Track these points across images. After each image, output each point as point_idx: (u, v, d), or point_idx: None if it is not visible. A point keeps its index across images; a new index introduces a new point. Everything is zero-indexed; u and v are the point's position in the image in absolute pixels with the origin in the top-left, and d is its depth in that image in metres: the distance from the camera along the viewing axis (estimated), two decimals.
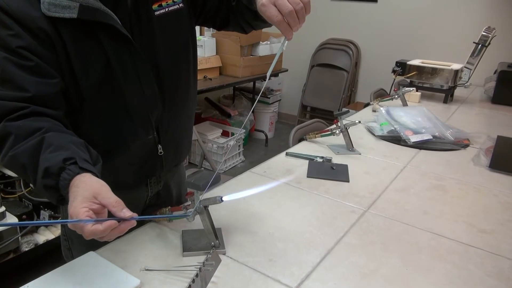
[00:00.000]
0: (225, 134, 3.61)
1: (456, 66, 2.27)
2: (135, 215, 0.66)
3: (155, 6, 0.89)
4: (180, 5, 0.93)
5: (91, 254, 0.83)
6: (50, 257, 1.96)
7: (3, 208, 1.79)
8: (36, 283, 0.74)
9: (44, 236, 2.04)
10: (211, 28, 1.13)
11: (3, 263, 1.86)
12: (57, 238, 2.03)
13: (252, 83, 3.89)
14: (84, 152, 0.72)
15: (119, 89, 0.87)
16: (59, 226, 2.07)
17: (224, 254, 0.86)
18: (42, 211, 2.06)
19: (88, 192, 0.64)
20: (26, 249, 1.95)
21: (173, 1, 0.92)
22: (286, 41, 0.82)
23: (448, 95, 2.29)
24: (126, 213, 0.64)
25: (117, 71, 0.85)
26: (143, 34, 0.88)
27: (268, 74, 0.89)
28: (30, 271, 1.90)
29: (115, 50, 0.84)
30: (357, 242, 0.93)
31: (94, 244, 0.87)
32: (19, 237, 1.92)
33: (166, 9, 0.91)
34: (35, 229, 2.07)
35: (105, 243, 0.88)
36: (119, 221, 0.65)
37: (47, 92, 0.76)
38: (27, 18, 0.74)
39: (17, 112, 0.72)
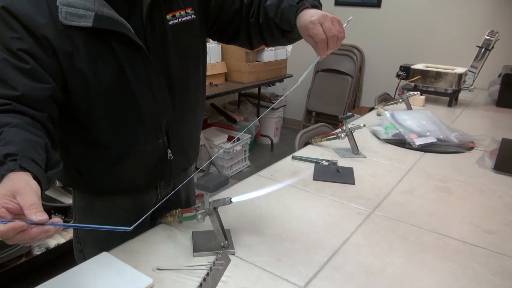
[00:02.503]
0: (231, 139, 3.64)
1: (460, 70, 2.29)
2: (46, 220, 0.58)
3: (168, 16, 0.93)
4: (193, 16, 0.97)
5: (105, 254, 0.86)
6: (61, 261, 1.99)
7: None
8: (53, 282, 0.77)
9: (55, 240, 2.07)
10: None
11: (15, 267, 1.89)
12: (68, 242, 2.06)
13: (257, 89, 3.92)
14: (38, 153, 0.68)
15: (131, 95, 0.90)
16: (70, 230, 2.10)
17: (233, 254, 0.88)
18: (53, 216, 2.09)
19: (7, 189, 0.59)
20: (38, 253, 1.98)
21: (186, 12, 0.96)
22: (318, 59, 0.90)
23: (452, 99, 2.30)
24: (38, 217, 0.57)
25: (129, 78, 0.88)
26: (156, 42, 0.92)
27: (299, 80, 0.94)
28: (42, 274, 1.93)
29: (128, 57, 0.87)
30: (364, 243, 0.95)
31: (106, 246, 0.90)
32: None
33: (179, 20, 0.94)
34: None
35: (116, 244, 0.91)
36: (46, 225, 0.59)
37: (36, 95, 0.77)
38: (33, 23, 0.77)
39: None
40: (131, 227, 0.67)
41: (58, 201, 2.11)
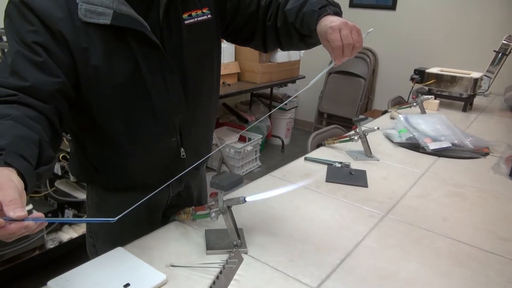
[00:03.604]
0: (242, 139, 3.65)
1: (475, 74, 2.26)
2: (24, 216, 0.57)
3: (185, 16, 0.93)
4: (209, 16, 0.98)
5: (119, 250, 0.87)
6: (73, 254, 2.02)
7: (30, 206, 1.86)
8: (69, 274, 0.78)
9: (68, 234, 2.10)
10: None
11: (29, 260, 1.92)
12: (81, 237, 2.09)
13: (269, 89, 3.92)
14: (30, 149, 0.67)
15: (146, 92, 0.91)
16: (83, 224, 2.13)
17: (246, 253, 0.89)
18: (66, 210, 2.12)
19: None
20: (51, 247, 2.01)
21: (202, 12, 0.97)
22: (332, 65, 0.92)
23: (467, 104, 2.27)
24: (16, 213, 0.56)
25: (144, 75, 0.89)
26: (172, 41, 0.93)
27: (311, 83, 0.95)
28: (55, 267, 1.96)
29: (144, 55, 0.88)
30: (377, 246, 0.95)
31: (119, 241, 0.91)
32: (45, 235, 1.98)
33: (195, 19, 0.95)
34: (59, 227, 2.13)
35: (128, 240, 0.92)
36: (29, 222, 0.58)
37: (44, 88, 0.77)
38: (50, 18, 0.78)
39: (3, 97, 0.73)
40: (115, 218, 0.68)
41: (72, 196, 2.14)
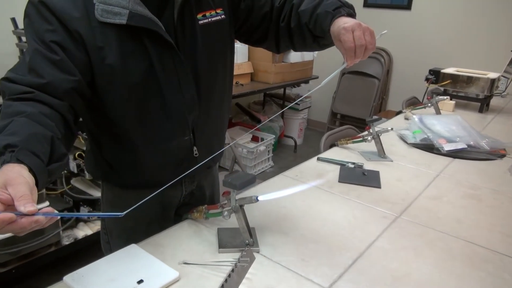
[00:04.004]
0: (254, 139, 3.66)
1: (493, 75, 2.22)
2: (34, 211, 0.58)
3: (199, 16, 0.94)
4: (222, 16, 0.99)
5: (133, 247, 0.88)
6: (88, 251, 2.05)
7: (47, 203, 1.90)
8: (84, 270, 0.80)
9: (83, 231, 2.14)
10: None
11: (45, 255, 1.97)
12: (95, 234, 2.12)
13: (282, 89, 3.92)
14: (42, 146, 0.68)
15: (160, 91, 0.93)
16: (98, 222, 2.16)
17: (258, 252, 0.89)
18: (81, 207, 2.16)
19: (0, 180, 0.59)
20: (66, 243, 2.05)
21: (216, 12, 0.97)
22: (344, 66, 0.91)
23: (484, 105, 2.24)
24: (27, 208, 0.57)
25: (158, 74, 0.91)
26: (186, 41, 0.94)
27: (322, 83, 0.95)
28: (70, 263, 2.00)
29: (158, 54, 0.89)
30: (389, 247, 0.94)
31: (132, 238, 0.92)
32: (60, 232, 2.02)
33: (209, 19, 0.96)
34: (74, 224, 2.17)
35: (142, 237, 0.94)
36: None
37: (60, 85, 0.79)
38: (67, 18, 0.80)
39: (20, 95, 0.75)
40: (123, 213, 0.70)
41: (87, 194, 2.18)
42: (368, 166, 1.40)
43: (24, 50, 0.84)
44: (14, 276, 1.88)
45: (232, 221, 0.90)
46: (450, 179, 1.35)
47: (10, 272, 1.85)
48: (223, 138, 1.21)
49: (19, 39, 2.38)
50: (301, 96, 4.30)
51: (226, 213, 0.89)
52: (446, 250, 0.95)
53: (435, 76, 2.34)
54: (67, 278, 0.77)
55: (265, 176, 3.48)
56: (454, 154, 1.55)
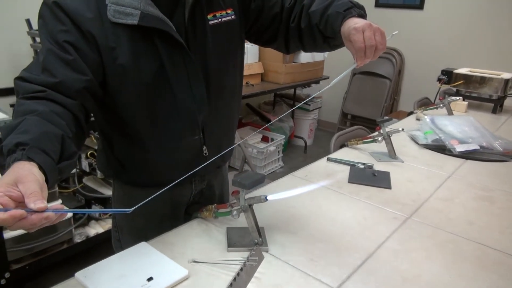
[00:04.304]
0: (265, 139, 3.66)
1: (507, 75, 2.19)
2: (44, 207, 0.59)
3: (209, 16, 0.95)
4: (233, 17, 0.99)
5: (143, 244, 0.89)
6: (99, 249, 2.08)
7: (59, 201, 1.93)
8: (95, 267, 0.81)
9: (95, 229, 2.17)
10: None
11: (57, 252, 2.00)
12: (107, 232, 2.15)
13: (292, 90, 3.92)
14: (52, 145, 0.69)
15: (171, 90, 0.93)
16: (109, 220, 2.19)
17: (266, 251, 0.89)
18: (93, 206, 2.19)
19: (11, 177, 0.60)
20: (78, 241, 2.08)
21: (226, 13, 0.98)
22: (354, 66, 0.92)
23: (497, 105, 2.20)
24: (37, 204, 0.58)
25: (169, 73, 0.91)
26: (196, 41, 0.94)
27: (332, 83, 0.95)
28: (82, 260, 2.03)
29: (169, 54, 0.90)
30: (399, 248, 0.94)
31: (143, 236, 0.93)
32: (73, 229, 2.05)
33: (220, 20, 0.97)
34: (86, 223, 2.20)
35: (152, 235, 0.95)
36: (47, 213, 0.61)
37: (72, 85, 0.80)
38: (80, 19, 0.81)
39: (33, 93, 0.76)
40: (131, 209, 0.71)
41: (99, 192, 2.20)
42: (379, 166, 1.40)
43: (38, 50, 0.85)
44: (28, 272, 1.91)
45: (241, 220, 0.90)
46: (462, 181, 1.34)
47: (24, 268, 1.88)
48: (233, 138, 1.21)
49: (34, 40, 2.43)
50: (312, 97, 4.29)
51: (235, 212, 0.90)
52: (457, 252, 0.94)
53: (448, 76, 2.32)
54: (79, 274, 0.78)
55: (275, 176, 3.48)
56: (466, 155, 1.53)
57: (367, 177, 1.31)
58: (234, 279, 0.76)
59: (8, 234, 1.76)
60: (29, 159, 0.64)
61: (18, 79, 0.79)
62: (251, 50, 3.22)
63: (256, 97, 3.71)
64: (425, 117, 1.78)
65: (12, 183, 0.59)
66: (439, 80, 2.35)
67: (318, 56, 3.64)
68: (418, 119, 2.00)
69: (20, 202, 0.59)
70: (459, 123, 1.71)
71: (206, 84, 0.98)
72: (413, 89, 3.98)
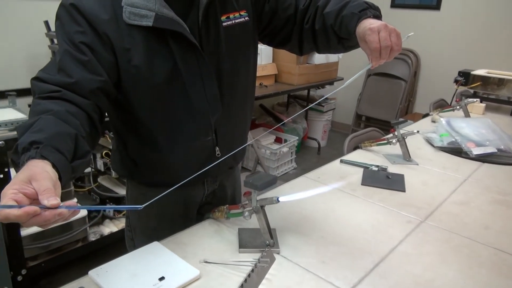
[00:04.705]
0: (278, 140, 3.65)
1: None
2: (57, 204, 0.60)
3: (223, 18, 0.96)
4: (246, 18, 1.00)
5: (156, 244, 0.90)
6: (113, 247, 2.11)
7: (75, 200, 1.96)
8: (108, 266, 0.82)
9: (109, 228, 2.20)
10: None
11: (72, 250, 2.03)
12: (120, 231, 2.17)
13: (306, 91, 3.90)
14: (66, 143, 0.70)
15: (184, 91, 0.94)
16: (123, 219, 2.22)
17: (278, 253, 0.89)
18: (108, 205, 2.22)
19: (25, 175, 0.61)
20: (93, 239, 2.11)
21: (239, 14, 0.98)
22: (369, 67, 0.91)
23: None
24: (50, 201, 0.59)
25: (183, 74, 0.92)
26: (210, 42, 0.95)
27: (345, 84, 0.96)
28: (95, 258, 2.06)
29: (183, 55, 0.91)
30: (413, 252, 0.92)
31: (155, 235, 0.94)
32: (87, 228, 2.08)
33: (233, 21, 0.97)
34: (101, 221, 2.23)
35: (164, 235, 0.95)
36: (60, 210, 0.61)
37: (87, 85, 0.81)
38: (97, 20, 0.83)
39: (48, 93, 0.78)
40: (142, 206, 0.73)
41: (113, 192, 2.23)
42: (393, 169, 1.38)
43: (56, 51, 0.87)
44: (43, 269, 1.95)
45: (253, 222, 0.90)
46: (479, 184, 1.31)
47: (39, 265, 1.92)
48: (245, 139, 1.21)
49: (52, 41, 2.47)
50: (326, 98, 4.26)
51: (247, 213, 0.90)
52: (472, 256, 0.92)
53: (465, 78, 2.28)
54: (92, 273, 0.79)
55: (288, 177, 3.47)
56: (483, 159, 1.50)
57: (380, 179, 1.29)
58: (245, 280, 0.76)
59: (25, 232, 1.80)
60: (43, 157, 0.65)
61: (35, 79, 0.80)
62: (265, 51, 3.22)
63: (270, 98, 3.71)
64: (441, 119, 1.75)
65: (26, 180, 0.60)
66: (456, 81, 2.31)
67: (332, 57, 3.61)
68: (433, 121, 1.97)
69: (34, 199, 0.60)
70: (476, 126, 1.68)
71: (219, 85, 0.99)
72: (429, 91, 3.92)
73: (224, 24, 0.96)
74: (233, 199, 1.27)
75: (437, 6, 3.75)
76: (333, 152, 4.11)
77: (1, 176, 1.62)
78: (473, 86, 2.24)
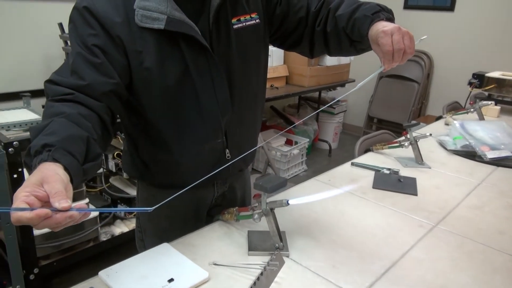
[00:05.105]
0: (288, 142, 3.64)
1: None
2: (68, 206, 0.60)
3: (234, 20, 0.96)
4: (257, 21, 1.00)
5: (165, 245, 0.90)
6: (123, 248, 2.13)
7: (86, 200, 1.98)
8: (118, 266, 0.82)
9: (120, 228, 2.21)
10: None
11: (84, 250, 2.06)
12: (131, 232, 2.19)
13: (317, 93, 3.88)
14: (78, 146, 0.70)
15: (195, 93, 0.94)
16: (134, 219, 2.23)
17: (287, 256, 0.89)
18: (119, 205, 2.24)
19: (37, 178, 0.62)
20: (104, 239, 2.13)
21: (250, 17, 0.98)
22: (381, 70, 0.90)
23: None
24: (61, 204, 0.59)
25: (193, 77, 0.92)
26: (220, 44, 0.95)
27: (358, 86, 0.94)
28: (107, 258, 2.08)
29: (194, 57, 0.91)
30: (425, 257, 0.91)
31: (165, 237, 0.94)
32: (99, 228, 2.10)
33: (244, 24, 0.97)
34: (112, 222, 2.25)
35: (174, 236, 0.96)
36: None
37: (99, 87, 0.82)
38: (109, 23, 0.83)
39: (61, 96, 0.79)
40: (152, 208, 0.72)
41: (124, 192, 2.25)
42: (405, 172, 1.36)
43: (69, 53, 0.88)
44: (55, 268, 1.97)
45: (263, 224, 0.90)
46: (493, 188, 1.28)
47: (51, 264, 1.95)
48: (256, 141, 1.21)
49: (66, 43, 2.51)
50: (337, 100, 4.24)
51: (256, 216, 0.89)
52: (487, 263, 0.90)
53: (479, 80, 2.24)
54: (102, 273, 0.80)
55: (298, 180, 3.46)
56: (498, 162, 1.47)
57: (392, 183, 1.28)
58: (254, 283, 0.75)
59: (37, 231, 1.83)
60: (55, 160, 0.65)
61: (48, 82, 0.81)
62: (276, 53, 3.22)
63: (281, 100, 3.70)
64: (455, 122, 1.73)
65: (38, 183, 0.61)
66: (470, 83, 2.28)
67: (344, 59, 3.60)
68: (447, 124, 1.95)
69: (45, 202, 0.60)
70: (491, 129, 1.65)
71: (230, 87, 0.99)
72: (442, 93, 3.87)
73: (235, 26, 0.96)
74: (243, 201, 1.27)
75: (451, 7, 3.70)
76: (344, 154, 4.09)
77: (15, 176, 1.65)
78: (488, 89, 2.20)
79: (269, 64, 3.46)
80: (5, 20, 2.38)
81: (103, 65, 0.83)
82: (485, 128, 1.65)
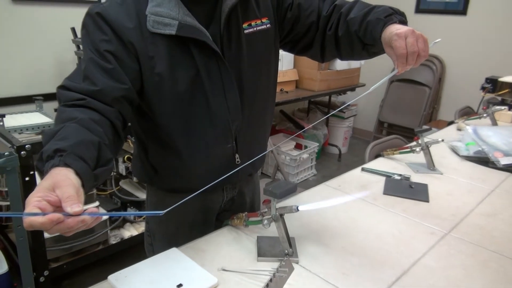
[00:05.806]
0: (298, 146, 3.63)
1: None
2: (80, 211, 0.60)
3: (245, 25, 0.96)
4: (268, 26, 0.99)
5: (174, 250, 0.90)
6: (133, 251, 2.14)
7: (96, 203, 1.99)
8: (127, 271, 0.82)
9: (129, 231, 2.22)
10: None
11: (93, 253, 2.07)
12: (140, 235, 2.20)
13: (327, 97, 3.87)
14: (89, 151, 0.71)
15: (205, 98, 0.94)
16: (143, 223, 2.24)
17: (297, 263, 0.88)
18: (128, 209, 2.25)
19: (48, 183, 0.62)
20: (113, 242, 2.14)
21: (261, 22, 0.98)
22: (394, 73, 0.89)
23: None
24: (73, 208, 0.60)
25: (204, 82, 0.93)
26: (231, 49, 0.95)
27: (370, 89, 0.93)
28: (116, 262, 2.09)
29: (205, 63, 0.91)
30: (436, 265, 0.89)
31: (174, 241, 0.94)
32: (108, 231, 2.12)
33: (255, 29, 0.97)
34: (121, 225, 2.27)
35: (183, 241, 0.96)
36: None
37: (111, 93, 0.82)
38: (122, 29, 0.84)
39: (73, 101, 0.79)
40: (163, 212, 0.72)
41: (134, 196, 2.26)
42: (416, 178, 1.35)
43: (81, 57, 0.89)
44: (65, 271, 1.98)
45: (272, 230, 0.89)
46: (507, 195, 1.26)
47: (61, 267, 1.96)
48: (265, 145, 1.21)
49: (78, 47, 2.54)
50: (347, 105, 4.22)
51: (266, 221, 0.89)
52: (500, 272, 0.88)
53: (492, 84, 2.21)
54: (111, 277, 0.80)
55: (307, 184, 3.44)
56: (511, 169, 1.45)
57: (403, 189, 1.26)
58: None
59: (47, 234, 1.84)
60: (66, 165, 0.66)
61: (60, 87, 0.82)
62: (286, 57, 3.22)
63: (290, 104, 3.69)
64: (467, 127, 1.70)
65: (49, 188, 0.61)
66: (483, 88, 2.25)
67: (354, 63, 3.58)
68: (459, 129, 1.92)
69: (57, 207, 0.60)
70: (504, 134, 1.62)
71: (240, 92, 0.99)
72: (454, 98, 3.83)
73: (246, 31, 0.96)
74: (252, 206, 1.26)
75: (463, 11, 3.66)
76: (354, 159, 4.06)
77: (27, 178, 1.67)
78: (501, 93, 2.17)
79: (279, 68, 3.45)
80: (18, 24, 2.42)
81: (115, 70, 0.83)
82: (499, 134, 1.63)
